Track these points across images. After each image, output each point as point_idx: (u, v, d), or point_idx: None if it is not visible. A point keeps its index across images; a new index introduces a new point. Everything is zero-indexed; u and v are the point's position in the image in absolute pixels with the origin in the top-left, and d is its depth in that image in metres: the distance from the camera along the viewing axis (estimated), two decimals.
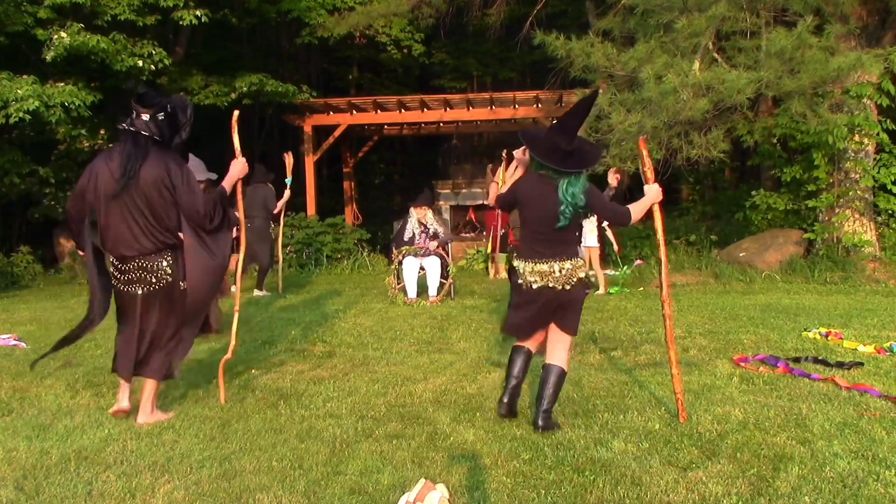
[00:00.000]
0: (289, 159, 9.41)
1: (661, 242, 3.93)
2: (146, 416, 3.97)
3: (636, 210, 3.88)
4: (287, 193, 9.40)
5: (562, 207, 3.69)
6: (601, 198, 3.87)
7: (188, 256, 3.96)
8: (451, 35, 17.53)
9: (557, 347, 3.84)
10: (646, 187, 3.89)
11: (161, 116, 3.94)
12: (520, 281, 3.87)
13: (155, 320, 4.06)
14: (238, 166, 4.24)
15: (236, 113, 4.34)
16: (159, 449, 3.52)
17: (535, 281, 3.78)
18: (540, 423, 3.70)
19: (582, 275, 3.80)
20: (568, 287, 3.75)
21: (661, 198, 3.87)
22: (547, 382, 3.76)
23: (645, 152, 3.91)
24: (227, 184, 4.17)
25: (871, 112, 9.74)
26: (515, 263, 3.92)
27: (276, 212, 9.38)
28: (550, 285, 3.75)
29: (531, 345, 3.97)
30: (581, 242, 4.38)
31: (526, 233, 3.92)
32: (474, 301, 8.46)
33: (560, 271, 3.75)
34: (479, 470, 3.19)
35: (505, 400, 3.88)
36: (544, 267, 3.76)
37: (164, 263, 3.98)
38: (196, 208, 3.89)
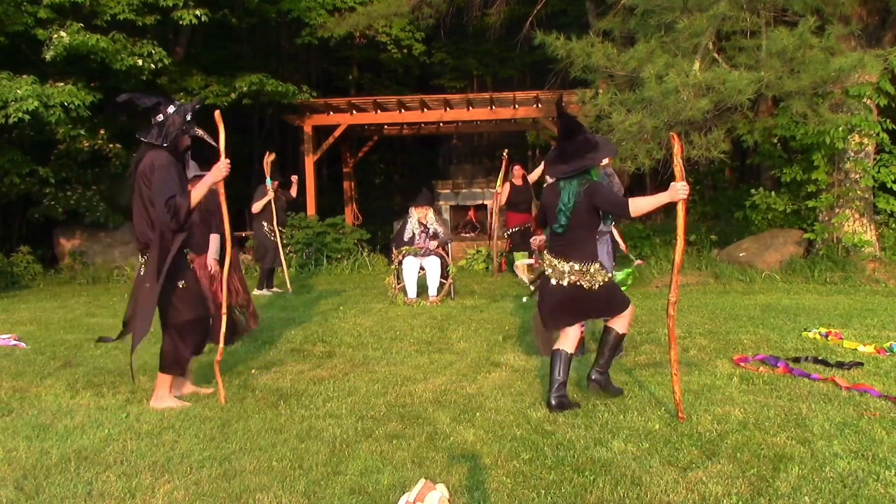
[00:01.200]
0: (268, 158, 9.38)
1: (680, 243, 3.83)
2: (153, 400, 4.31)
3: (639, 203, 3.90)
4: (270, 193, 9.40)
5: (556, 210, 4.01)
6: (603, 192, 3.98)
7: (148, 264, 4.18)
8: (451, 35, 17.52)
9: (617, 320, 4.19)
10: (672, 184, 3.80)
11: (159, 118, 4.20)
12: (544, 271, 4.21)
13: (131, 308, 4.33)
14: (217, 169, 4.26)
15: (218, 112, 4.34)
16: (159, 449, 3.52)
17: (552, 275, 4.09)
18: (593, 376, 4.19)
19: (595, 275, 4.02)
20: (584, 285, 4.01)
21: (684, 196, 3.75)
22: (605, 343, 4.21)
23: (677, 148, 3.79)
24: (200, 185, 4.25)
25: (871, 112, 9.73)
26: (544, 255, 4.24)
27: (253, 211, 9.41)
28: (563, 283, 4.04)
29: (568, 346, 4.12)
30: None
31: (548, 233, 4.26)
32: (474, 301, 8.46)
33: (571, 270, 4.02)
34: (479, 470, 3.19)
35: (553, 401, 4.02)
36: (558, 265, 4.05)
37: (141, 259, 4.27)
38: (155, 199, 4.07)
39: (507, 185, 10.56)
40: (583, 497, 2.92)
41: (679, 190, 3.72)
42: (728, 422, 3.74)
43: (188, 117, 4.23)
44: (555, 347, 4.15)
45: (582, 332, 5.42)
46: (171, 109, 4.20)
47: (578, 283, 4.02)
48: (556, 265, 4.08)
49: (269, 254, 9.72)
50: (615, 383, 4.40)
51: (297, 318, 7.45)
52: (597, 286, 4.03)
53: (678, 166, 3.78)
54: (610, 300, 4.12)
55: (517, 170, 10.65)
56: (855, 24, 9.48)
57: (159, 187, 4.08)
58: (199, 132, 4.33)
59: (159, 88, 12.87)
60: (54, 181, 12.25)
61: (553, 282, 4.09)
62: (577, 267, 4.02)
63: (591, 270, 4.03)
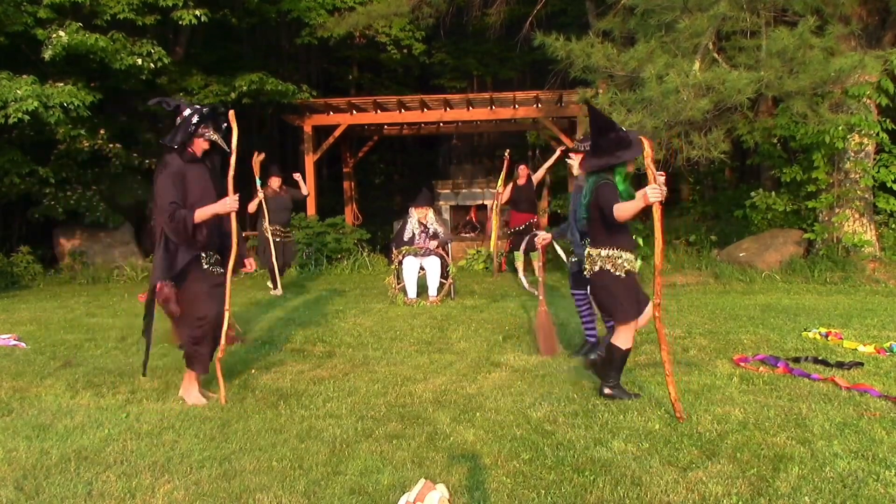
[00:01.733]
0: (257, 158, 9.28)
1: (658, 244, 3.78)
2: (181, 390, 4.48)
3: (621, 208, 3.97)
4: (260, 194, 9.35)
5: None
6: (605, 193, 4.07)
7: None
8: (451, 35, 17.51)
9: (616, 333, 4.29)
10: (645, 188, 3.83)
11: (178, 121, 4.30)
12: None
13: None
14: (223, 203, 4.23)
15: (232, 112, 4.35)
16: (159, 449, 3.52)
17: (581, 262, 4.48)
18: (604, 391, 4.24)
19: (600, 264, 4.18)
20: (587, 272, 4.28)
21: (656, 199, 3.71)
22: (605, 355, 4.36)
23: (648, 150, 3.83)
24: (206, 210, 4.21)
25: (871, 112, 9.73)
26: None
27: (249, 211, 9.31)
28: (585, 267, 4.34)
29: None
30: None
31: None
32: (474, 301, 8.46)
33: (588, 256, 4.26)
34: (479, 470, 3.19)
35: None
36: (582, 252, 4.42)
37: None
38: (158, 194, 4.17)
39: (510, 184, 10.58)
40: (583, 497, 2.92)
41: (649, 193, 3.71)
42: (728, 422, 3.74)
43: (194, 119, 4.24)
44: None
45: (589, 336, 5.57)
46: (186, 112, 4.27)
47: (588, 269, 4.29)
48: (582, 253, 4.42)
49: (268, 254, 9.68)
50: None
51: (297, 318, 7.45)
52: (589, 273, 4.25)
53: (649, 169, 3.79)
54: (597, 293, 4.29)
55: (522, 169, 10.67)
56: (855, 24, 9.48)
57: (157, 190, 4.20)
58: (214, 136, 4.32)
59: (159, 88, 12.85)
60: (54, 181, 12.24)
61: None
62: (592, 253, 4.23)
63: (593, 255, 4.20)
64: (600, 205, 4.07)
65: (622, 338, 4.21)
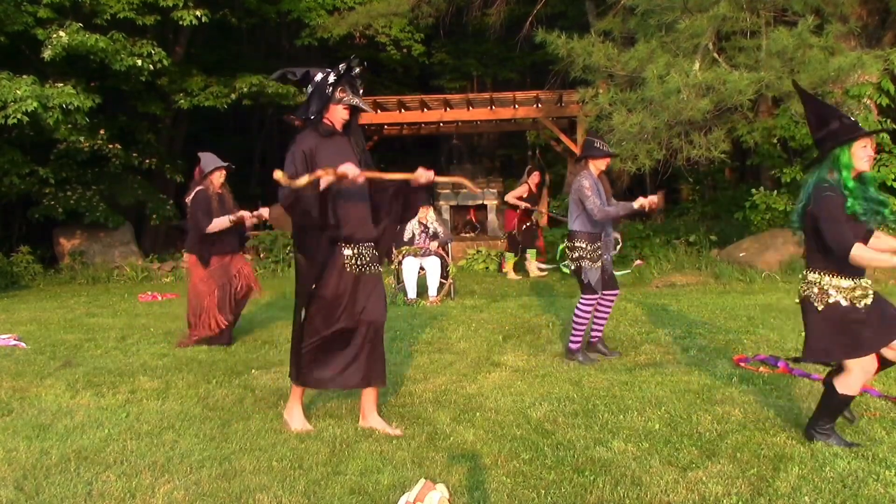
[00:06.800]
0: None
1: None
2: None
3: (857, 251, 3.24)
4: None
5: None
6: (828, 207, 3.35)
7: None
8: (451, 35, 17.52)
9: (839, 376, 3.44)
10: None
11: (309, 90, 3.62)
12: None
13: None
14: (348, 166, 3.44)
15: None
16: (159, 449, 3.52)
17: None
18: (810, 431, 3.45)
19: (805, 290, 3.39)
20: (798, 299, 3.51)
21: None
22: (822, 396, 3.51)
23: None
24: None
25: (871, 112, 9.72)
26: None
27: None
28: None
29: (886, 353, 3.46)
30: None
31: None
32: (474, 301, 8.46)
33: (804, 282, 3.46)
34: (479, 470, 3.19)
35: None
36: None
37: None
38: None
39: (525, 186, 10.87)
40: (583, 497, 2.91)
41: None
42: (728, 422, 3.74)
43: (330, 80, 3.55)
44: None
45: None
46: (318, 77, 3.60)
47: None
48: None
49: None
50: (614, 384, 4.38)
51: None
52: (801, 297, 3.42)
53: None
54: (807, 332, 3.41)
55: (536, 175, 11.11)
56: (854, 23, 9.48)
57: (288, 161, 3.52)
58: (355, 101, 3.59)
59: (158, 89, 12.86)
60: (54, 181, 12.25)
61: None
62: (809, 276, 3.40)
63: (804, 276, 3.43)
64: (816, 215, 3.30)
65: (843, 380, 3.36)
